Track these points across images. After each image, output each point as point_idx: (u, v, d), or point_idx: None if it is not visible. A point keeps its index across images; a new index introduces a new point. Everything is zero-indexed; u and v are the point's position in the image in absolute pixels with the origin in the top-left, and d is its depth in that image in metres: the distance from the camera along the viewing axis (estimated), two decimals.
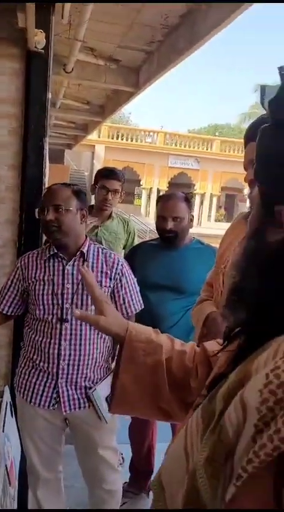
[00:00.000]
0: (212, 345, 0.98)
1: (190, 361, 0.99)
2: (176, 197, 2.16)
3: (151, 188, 24.87)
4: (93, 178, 2.72)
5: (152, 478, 2.29)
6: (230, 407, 0.58)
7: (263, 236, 0.67)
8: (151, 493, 2.23)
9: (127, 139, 23.80)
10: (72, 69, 4.85)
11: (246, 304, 0.69)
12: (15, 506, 1.80)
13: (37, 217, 1.83)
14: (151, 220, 22.29)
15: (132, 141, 23.94)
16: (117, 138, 23.57)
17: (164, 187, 24.40)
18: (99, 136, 22.61)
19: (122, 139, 23.67)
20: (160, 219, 2.17)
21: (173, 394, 0.98)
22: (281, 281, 0.65)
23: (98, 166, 21.32)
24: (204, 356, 0.98)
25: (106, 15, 3.68)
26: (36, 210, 1.81)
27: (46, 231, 1.79)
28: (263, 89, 0.71)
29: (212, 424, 0.62)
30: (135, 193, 27.87)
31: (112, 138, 23.44)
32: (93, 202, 2.78)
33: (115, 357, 1.09)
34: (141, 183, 25.09)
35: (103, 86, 5.61)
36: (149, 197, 25.10)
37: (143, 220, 21.36)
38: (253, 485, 0.53)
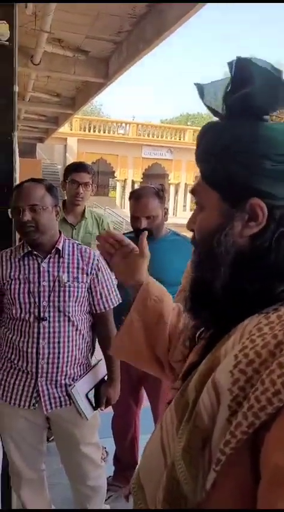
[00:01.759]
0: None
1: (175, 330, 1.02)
2: (147, 195, 2.12)
3: (125, 180, 24.78)
4: (63, 174, 2.71)
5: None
6: (203, 392, 0.59)
7: (228, 234, 0.66)
8: None
9: (99, 131, 23.60)
10: (40, 61, 4.78)
11: (212, 302, 0.68)
12: None
13: (10, 217, 1.77)
14: (126, 212, 22.22)
15: (104, 132, 23.75)
16: (89, 130, 23.34)
17: (138, 179, 24.35)
18: (71, 129, 22.34)
19: (94, 131, 23.45)
20: (134, 218, 2.15)
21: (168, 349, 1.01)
22: (253, 272, 0.65)
23: (71, 159, 21.11)
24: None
25: (73, 5, 3.62)
26: (9, 210, 1.76)
27: (22, 232, 1.74)
28: (200, 87, 0.70)
29: (186, 414, 0.63)
30: (110, 185, 27.72)
31: (85, 130, 23.20)
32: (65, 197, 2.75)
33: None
34: (115, 174, 24.98)
35: (72, 78, 5.55)
36: (124, 189, 25.00)
37: (118, 212, 21.29)
38: (232, 467, 0.54)
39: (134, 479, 0.74)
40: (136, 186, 22.60)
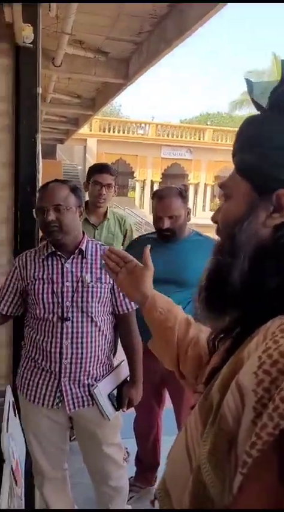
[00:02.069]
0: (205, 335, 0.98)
1: (185, 343, 1.01)
2: (170, 194, 2.12)
3: (144, 180, 24.80)
4: (86, 175, 2.73)
5: (157, 473, 2.26)
6: (227, 395, 0.59)
7: (252, 222, 0.67)
8: (156, 485, 2.21)
9: (119, 132, 23.68)
10: (61, 63, 4.80)
11: (229, 293, 0.68)
12: (22, 506, 1.79)
13: (35, 217, 1.79)
14: (145, 212, 22.26)
15: (123, 133, 23.81)
16: (109, 131, 23.43)
17: (157, 179, 24.35)
18: (90, 130, 22.46)
19: (114, 132, 23.54)
20: (157, 218, 2.14)
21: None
22: (273, 265, 0.65)
23: (91, 160, 21.24)
24: (197, 346, 0.99)
25: (94, 7, 3.63)
26: (33, 210, 1.78)
27: (46, 231, 1.76)
28: (250, 83, 0.72)
29: (211, 416, 0.62)
30: (129, 185, 27.78)
31: (104, 131, 23.30)
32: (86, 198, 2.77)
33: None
34: (134, 175, 25.01)
35: (93, 79, 5.57)
36: (143, 189, 25.04)
37: (137, 212, 21.31)
38: (259, 469, 0.53)
39: (160, 485, 0.74)
40: (156, 186, 22.60)
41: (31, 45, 1.99)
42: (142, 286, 1.10)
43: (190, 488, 0.62)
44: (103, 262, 1.17)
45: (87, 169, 2.90)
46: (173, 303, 1.08)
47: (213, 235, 2.24)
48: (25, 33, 1.89)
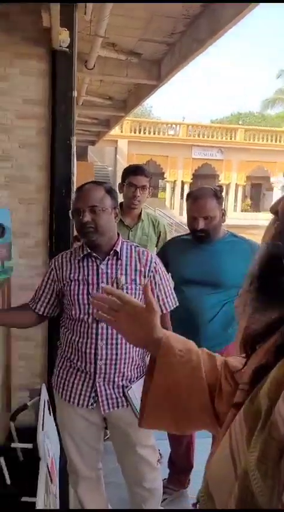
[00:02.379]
0: (234, 361, 0.93)
1: (216, 375, 0.95)
2: (205, 195, 2.10)
3: (175, 181, 24.73)
4: (120, 176, 2.74)
5: (191, 475, 2.22)
6: (279, 402, 0.57)
7: None
8: (189, 487, 2.18)
9: (149, 133, 23.70)
10: (94, 66, 4.84)
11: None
12: (57, 505, 1.82)
13: (71, 218, 1.82)
14: (175, 213, 22.17)
15: (154, 134, 23.82)
16: (140, 132, 23.49)
17: (188, 179, 24.24)
18: (121, 131, 22.57)
19: (145, 133, 23.59)
20: (191, 219, 2.13)
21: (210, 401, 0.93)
22: None
23: (122, 161, 21.32)
24: (228, 372, 0.93)
25: (127, 10, 3.65)
26: (69, 211, 1.80)
27: (82, 232, 1.77)
28: None
29: (259, 423, 0.60)
30: (159, 186, 27.76)
31: (135, 132, 23.38)
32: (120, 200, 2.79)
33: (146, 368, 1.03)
34: (164, 176, 24.97)
35: (125, 81, 5.60)
36: (173, 190, 24.98)
37: (168, 213, 21.27)
38: None
39: (202, 488, 0.73)
40: (186, 187, 22.48)
41: (67, 49, 2.02)
42: (151, 332, 0.95)
43: (236, 494, 0.61)
44: (96, 311, 1.00)
45: (117, 171, 2.91)
46: (185, 338, 0.97)
47: (247, 236, 2.21)
48: (62, 37, 1.92)
